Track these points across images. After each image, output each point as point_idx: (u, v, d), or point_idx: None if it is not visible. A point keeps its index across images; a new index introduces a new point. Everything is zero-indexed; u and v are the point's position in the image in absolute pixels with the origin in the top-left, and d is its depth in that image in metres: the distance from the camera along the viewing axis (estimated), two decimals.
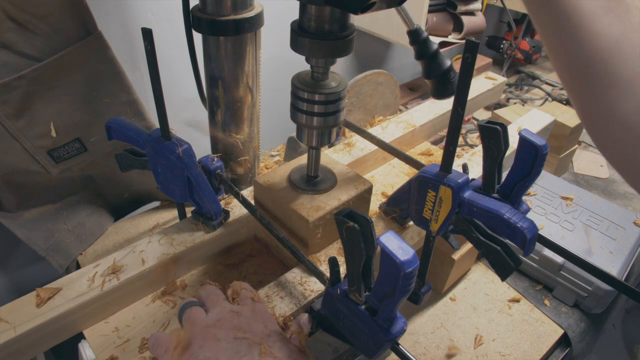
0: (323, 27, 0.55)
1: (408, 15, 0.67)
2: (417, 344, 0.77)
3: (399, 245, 0.40)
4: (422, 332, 0.79)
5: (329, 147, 0.84)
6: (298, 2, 0.56)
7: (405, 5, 0.65)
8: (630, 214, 0.96)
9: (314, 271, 0.59)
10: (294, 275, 0.65)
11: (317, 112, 0.61)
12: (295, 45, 0.57)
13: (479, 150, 0.92)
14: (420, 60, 0.74)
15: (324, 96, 0.60)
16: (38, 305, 0.57)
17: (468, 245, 0.81)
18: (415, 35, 0.69)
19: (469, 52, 0.44)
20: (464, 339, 0.78)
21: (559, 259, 0.84)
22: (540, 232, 0.53)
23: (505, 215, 0.48)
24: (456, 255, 0.79)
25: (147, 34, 0.54)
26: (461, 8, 1.38)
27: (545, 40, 0.45)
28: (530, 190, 0.99)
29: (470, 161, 0.88)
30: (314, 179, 0.70)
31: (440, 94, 0.75)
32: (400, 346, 0.49)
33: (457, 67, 0.71)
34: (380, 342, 0.47)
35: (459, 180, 0.52)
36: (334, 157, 0.84)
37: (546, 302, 0.85)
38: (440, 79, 0.74)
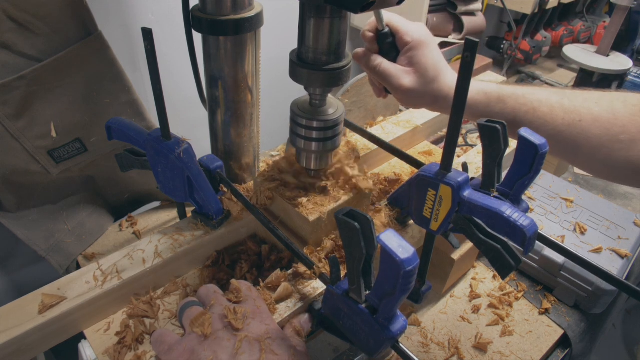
0: (320, 58, 0.58)
1: (381, 17, 0.70)
2: (417, 343, 0.77)
3: (399, 244, 0.40)
4: (422, 331, 0.79)
5: None
6: (298, 2, 0.56)
7: (405, 5, 0.66)
8: (630, 214, 0.96)
9: (314, 270, 0.59)
10: (294, 274, 0.65)
11: (316, 137, 0.64)
12: (294, 75, 0.60)
13: (478, 149, 0.92)
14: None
15: (322, 123, 0.62)
16: (40, 312, 0.57)
17: (468, 245, 0.81)
18: (382, 37, 0.71)
19: (469, 51, 0.44)
20: (464, 338, 0.78)
21: (559, 259, 0.84)
22: (540, 232, 0.53)
23: (505, 214, 0.48)
24: (456, 255, 0.79)
25: (147, 34, 0.54)
26: (461, 8, 1.38)
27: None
28: (531, 193, 0.99)
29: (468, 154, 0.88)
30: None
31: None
32: (400, 344, 0.49)
33: (457, 67, 0.71)
34: (380, 341, 0.47)
35: (459, 179, 0.52)
36: None
37: (546, 302, 0.85)
38: None
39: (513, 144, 0.65)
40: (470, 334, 0.78)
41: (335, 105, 0.65)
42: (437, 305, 0.84)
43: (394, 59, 0.72)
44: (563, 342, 0.82)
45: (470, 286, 0.87)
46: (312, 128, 0.63)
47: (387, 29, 0.71)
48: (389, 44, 0.71)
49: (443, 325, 0.80)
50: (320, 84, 0.59)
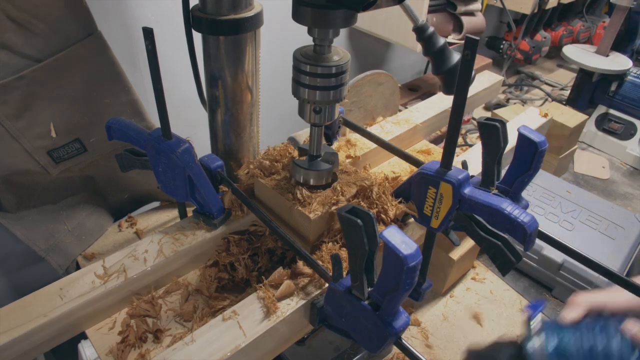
0: None
1: (413, 12, 0.67)
2: (417, 343, 0.76)
3: (402, 240, 0.40)
4: (422, 331, 0.79)
5: (329, 144, 0.84)
6: None
7: (406, 3, 0.66)
8: (630, 214, 0.96)
9: (316, 268, 0.59)
10: (296, 272, 0.64)
11: (320, 85, 0.59)
12: (297, 16, 0.55)
13: (476, 148, 0.92)
14: (428, 56, 0.74)
15: (327, 69, 0.57)
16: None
17: (468, 246, 0.81)
18: (420, 32, 0.69)
19: (469, 48, 0.44)
20: (463, 338, 0.77)
21: (558, 258, 0.84)
22: (540, 229, 0.53)
23: (506, 210, 0.49)
24: (456, 255, 0.79)
25: (149, 34, 0.54)
26: (461, 8, 1.38)
27: None
28: (530, 193, 0.99)
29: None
30: (316, 159, 0.69)
31: (449, 89, 0.75)
32: (403, 341, 0.49)
33: None
34: (383, 337, 0.47)
35: (460, 177, 0.52)
36: None
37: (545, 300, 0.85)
38: (449, 74, 0.74)
39: (512, 141, 0.65)
40: (470, 334, 0.78)
41: (340, 53, 0.61)
42: (437, 306, 0.84)
43: None
44: None
45: (470, 286, 0.87)
46: (315, 75, 0.58)
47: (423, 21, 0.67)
48: None
49: (443, 325, 0.80)
50: (327, 24, 0.54)
